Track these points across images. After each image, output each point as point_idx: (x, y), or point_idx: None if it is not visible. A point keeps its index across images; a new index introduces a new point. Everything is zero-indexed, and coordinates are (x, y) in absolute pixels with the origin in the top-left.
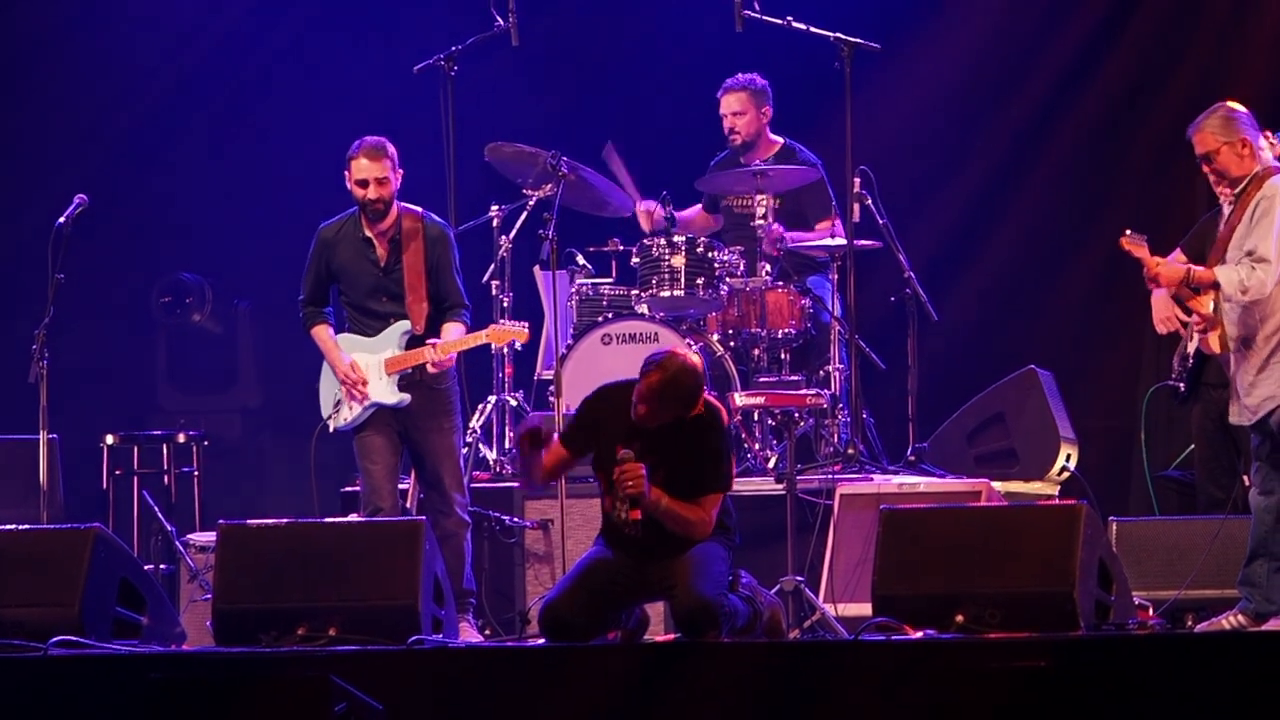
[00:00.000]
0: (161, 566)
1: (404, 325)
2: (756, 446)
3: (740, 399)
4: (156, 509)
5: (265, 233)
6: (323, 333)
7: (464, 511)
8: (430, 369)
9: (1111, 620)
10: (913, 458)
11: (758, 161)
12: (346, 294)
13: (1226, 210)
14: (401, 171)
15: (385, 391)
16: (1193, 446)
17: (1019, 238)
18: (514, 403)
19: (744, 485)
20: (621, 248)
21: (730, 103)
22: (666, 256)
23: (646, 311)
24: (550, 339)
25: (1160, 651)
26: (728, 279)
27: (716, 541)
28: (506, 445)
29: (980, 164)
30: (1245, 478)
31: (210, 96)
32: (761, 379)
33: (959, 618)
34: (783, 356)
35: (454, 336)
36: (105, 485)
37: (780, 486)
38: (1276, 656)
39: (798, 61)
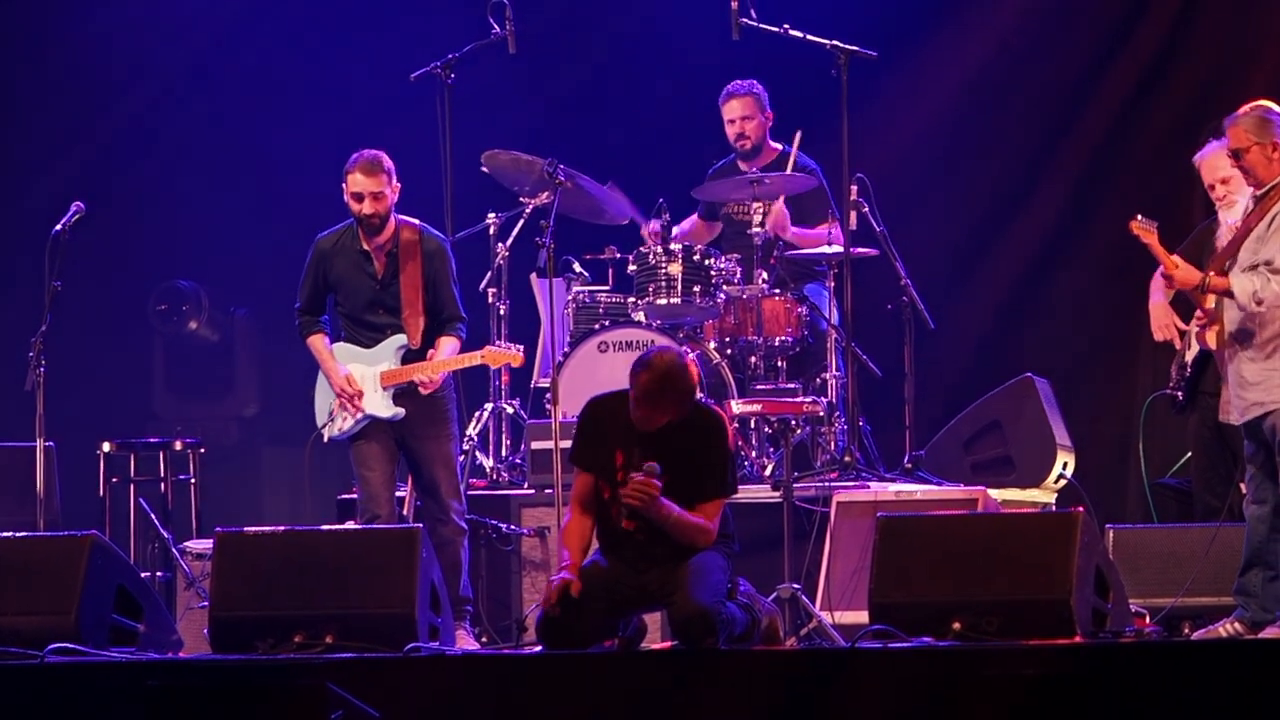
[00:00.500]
0: (158, 574)
1: (400, 339)
2: (753, 454)
3: (737, 407)
4: (153, 516)
5: (262, 240)
6: (319, 343)
7: (461, 519)
8: (421, 390)
9: (1108, 628)
10: (909, 465)
11: (756, 169)
12: (343, 305)
13: (1224, 219)
14: (399, 185)
15: (380, 404)
16: (1190, 455)
17: (1016, 246)
18: (510, 410)
19: (741, 493)
20: (618, 255)
21: (736, 108)
22: (663, 264)
23: (643, 319)
24: (547, 347)
25: (1157, 659)
26: (724, 287)
27: (715, 550)
28: (503, 453)
29: (977, 172)
30: (1242, 486)
31: (207, 104)
32: (758, 386)
33: (956, 625)
34: (779, 364)
35: (447, 353)
36: (102, 493)
37: (777, 494)
38: (1272, 664)
39: (795, 70)
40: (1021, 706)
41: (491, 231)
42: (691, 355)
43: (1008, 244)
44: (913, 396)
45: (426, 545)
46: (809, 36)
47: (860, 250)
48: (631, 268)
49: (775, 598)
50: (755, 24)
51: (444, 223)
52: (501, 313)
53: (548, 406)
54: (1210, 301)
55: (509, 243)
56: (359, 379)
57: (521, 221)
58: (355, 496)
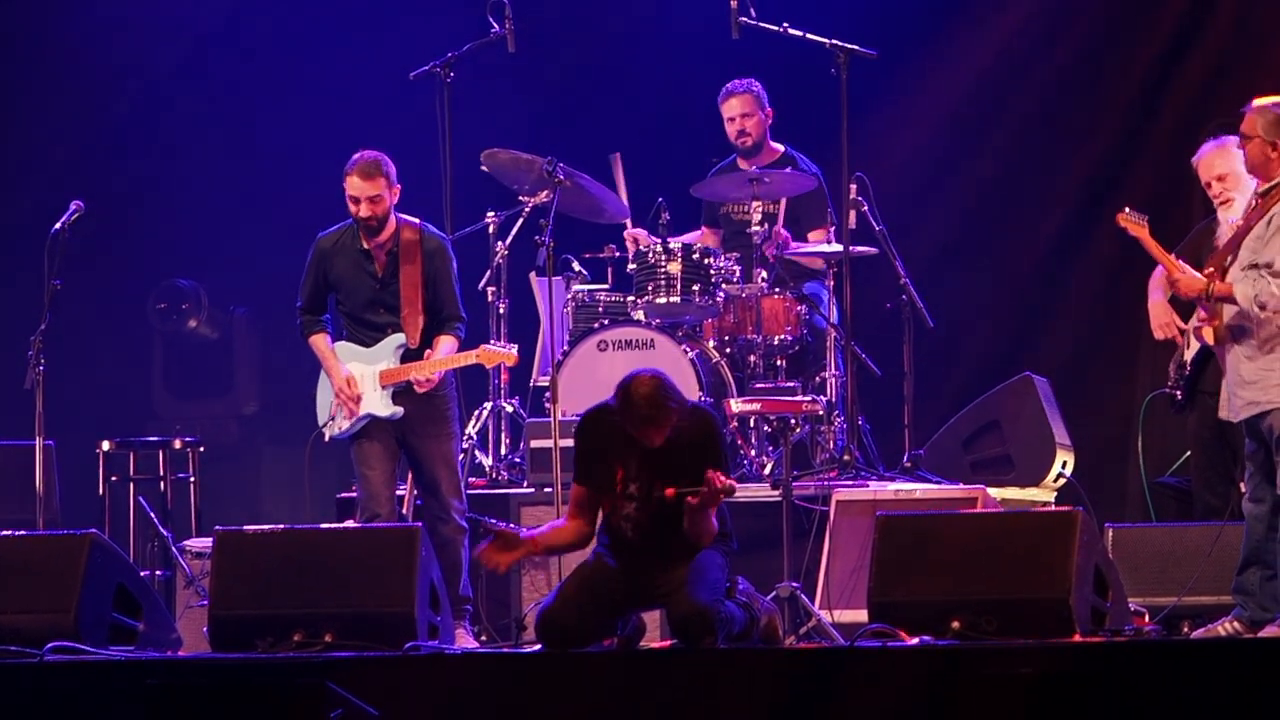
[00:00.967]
0: (158, 572)
1: (399, 338)
2: (753, 453)
3: (736, 405)
4: (153, 515)
5: (261, 239)
6: (320, 342)
7: (462, 519)
8: (417, 389)
9: (1107, 626)
10: (909, 464)
11: (756, 168)
12: (344, 304)
13: (1222, 217)
14: (399, 187)
15: (379, 403)
16: (1189, 454)
17: (1015, 244)
18: (510, 409)
19: (740, 492)
20: (618, 254)
21: (736, 105)
22: (663, 263)
23: (642, 318)
24: (546, 345)
25: (1156, 658)
26: (724, 285)
27: (713, 548)
28: (503, 451)
29: (977, 171)
30: (1241, 485)
31: (207, 102)
32: (757, 385)
33: (955, 624)
34: (779, 363)
35: (444, 352)
36: (101, 491)
37: (776, 493)
38: (1272, 663)
39: (794, 69)
40: (1020, 705)
41: (491, 230)
42: (691, 354)
43: (1007, 243)
44: (912, 395)
45: (426, 544)
46: (808, 35)
47: (859, 249)
48: (631, 266)
49: (774, 596)
50: (754, 23)
51: (443, 221)
52: (501, 311)
53: (547, 405)
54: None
55: (508, 241)
56: (359, 378)
57: (521, 220)
58: (355, 495)
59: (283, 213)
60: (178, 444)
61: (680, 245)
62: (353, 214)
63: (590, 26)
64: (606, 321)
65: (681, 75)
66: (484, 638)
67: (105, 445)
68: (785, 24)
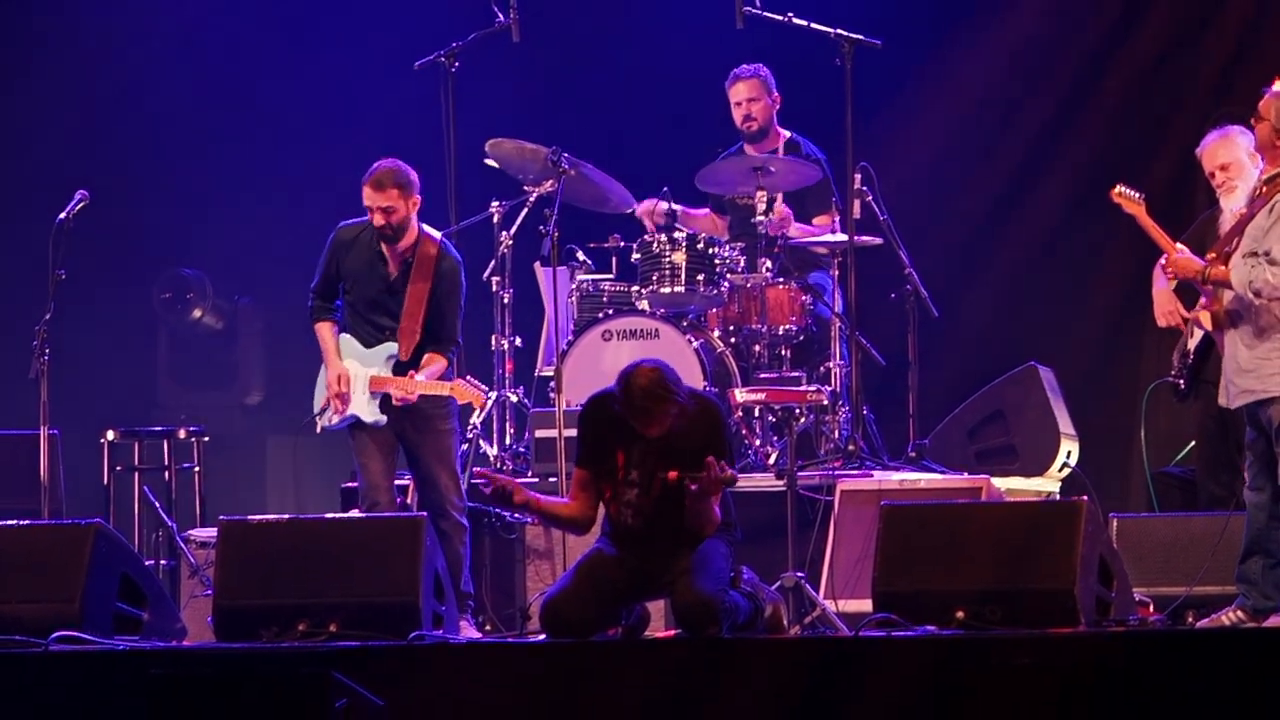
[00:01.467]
0: (162, 562)
1: (392, 348)
2: (757, 443)
3: (741, 395)
4: (157, 505)
5: (266, 229)
6: (326, 331)
7: (460, 515)
8: (395, 403)
9: (1112, 616)
10: (913, 454)
11: (764, 153)
12: (350, 295)
13: (1225, 205)
14: (419, 198)
15: (366, 408)
16: (1193, 443)
17: (1020, 234)
18: (514, 399)
19: (745, 481)
20: (622, 244)
21: (743, 90)
22: (667, 253)
23: (647, 308)
24: (551, 335)
25: (1160, 648)
26: (728, 275)
27: (718, 538)
28: (507, 441)
29: (982, 160)
30: (1246, 473)
31: (211, 92)
32: (762, 375)
33: (959, 614)
34: (783, 353)
35: (429, 374)
36: (106, 481)
37: (781, 483)
38: (1276, 652)
39: (799, 58)
40: (1025, 695)
41: (495, 220)
42: (696, 344)
43: (1012, 232)
44: (917, 385)
45: (430, 533)
46: (813, 25)
47: (864, 239)
48: (635, 256)
49: (779, 586)
50: (759, 12)
51: (448, 211)
52: (505, 301)
53: (551, 395)
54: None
55: (513, 231)
56: (353, 378)
57: (525, 210)
58: (357, 485)
59: (287, 202)
60: (182, 434)
61: (685, 235)
62: (370, 220)
63: (594, 16)
64: (611, 311)
65: (686, 65)
66: (488, 628)
67: (110, 435)
68: (790, 14)
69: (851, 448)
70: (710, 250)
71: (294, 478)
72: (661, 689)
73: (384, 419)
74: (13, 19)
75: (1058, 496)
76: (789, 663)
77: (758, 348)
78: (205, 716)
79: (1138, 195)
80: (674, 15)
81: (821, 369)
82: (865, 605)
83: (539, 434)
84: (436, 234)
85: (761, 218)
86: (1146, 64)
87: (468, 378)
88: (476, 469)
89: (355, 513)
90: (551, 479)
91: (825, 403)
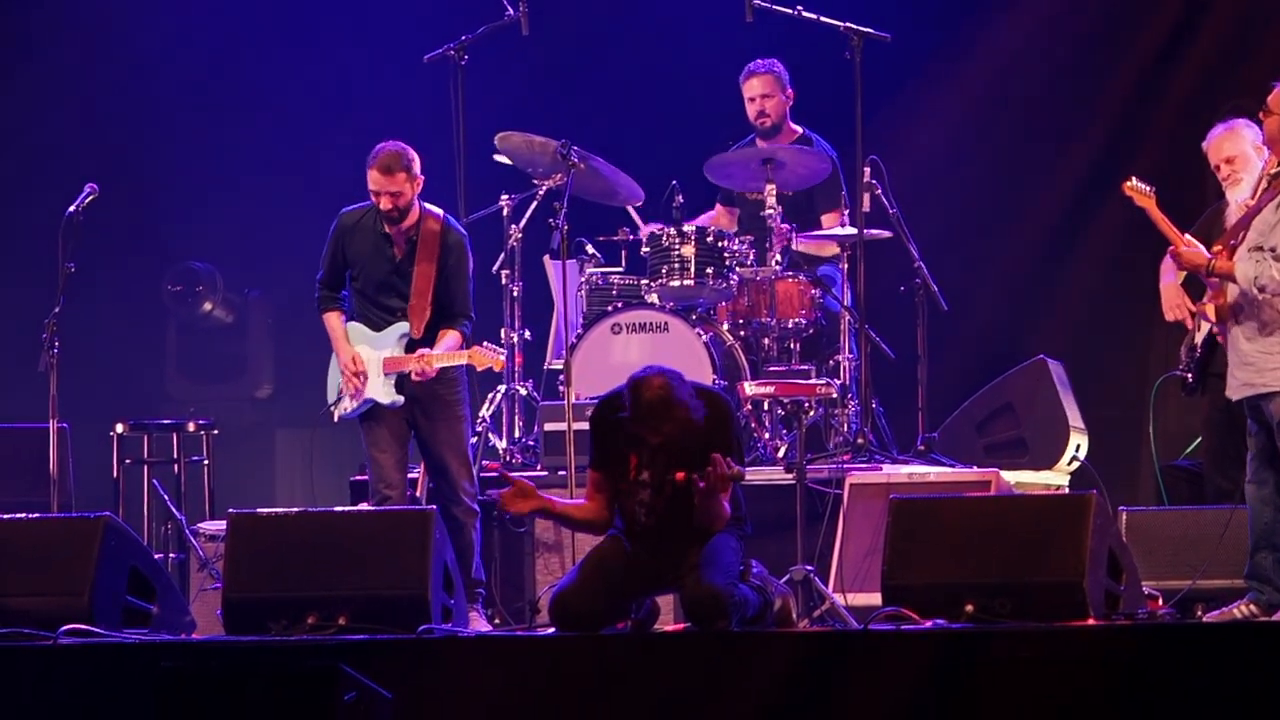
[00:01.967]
0: (171, 555)
1: (404, 326)
2: (766, 436)
3: (750, 388)
4: (166, 498)
5: (276, 221)
6: (334, 320)
7: (472, 501)
8: (414, 378)
9: (1121, 610)
10: (922, 447)
11: (788, 148)
12: (357, 280)
13: (1232, 198)
14: (422, 178)
15: (381, 390)
16: (1201, 438)
17: (1029, 227)
18: (524, 392)
19: (754, 475)
20: (631, 237)
21: (757, 85)
22: (676, 246)
23: (656, 301)
24: (560, 328)
25: (1169, 641)
26: (738, 268)
27: (727, 532)
28: (517, 434)
29: (991, 153)
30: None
31: (221, 84)
32: (771, 368)
33: (968, 607)
34: (792, 346)
35: (445, 348)
36: (115, 474)
37: (790, 476)
38: None
39: (808, 52)
40: (1034, 688)
41: (505, 213)
42: (705, 338)
43: (1021, 226)
44: (926, 378)
45: (440, 526)
46: (822, 18)
47: (873, 232)
48: (645, 249)
49: (788, 580)
50: (768, 6)
51: (457, 204)
52: (515, 294)
53: (561, 388)
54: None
55: (522, 224)
56: (365, 361)
57: (535, 203)
58: (367, 478)
59: (297, 195)
60: (191, 427)
61: (694, 228)
62: (374, 202)
63: (604, 9)
64: (620, 304)
65: (695, 58)
66: (497, 621)
67: (119, 428)
68: (799, 7)
69: (860, 441)
70: (720, 244)
71: (303, 471)
72: (671, 682)
73: (400, 399)
74: (21, 13)
75: (1067, 490)
76: (798, 657)
77: (767, 341)
78: (214, 710)
79: (1149, 189)
80: (683, 8)
81: (831, 362)
82: (874, 599)
83: (548, 427)
84: (438, 210)
85: (770, 211)
86: (1158, 56)
87: (484, 343)
88: (488, 462)
89: (365, 506)
90: (561, 472)
91: (834, 396)
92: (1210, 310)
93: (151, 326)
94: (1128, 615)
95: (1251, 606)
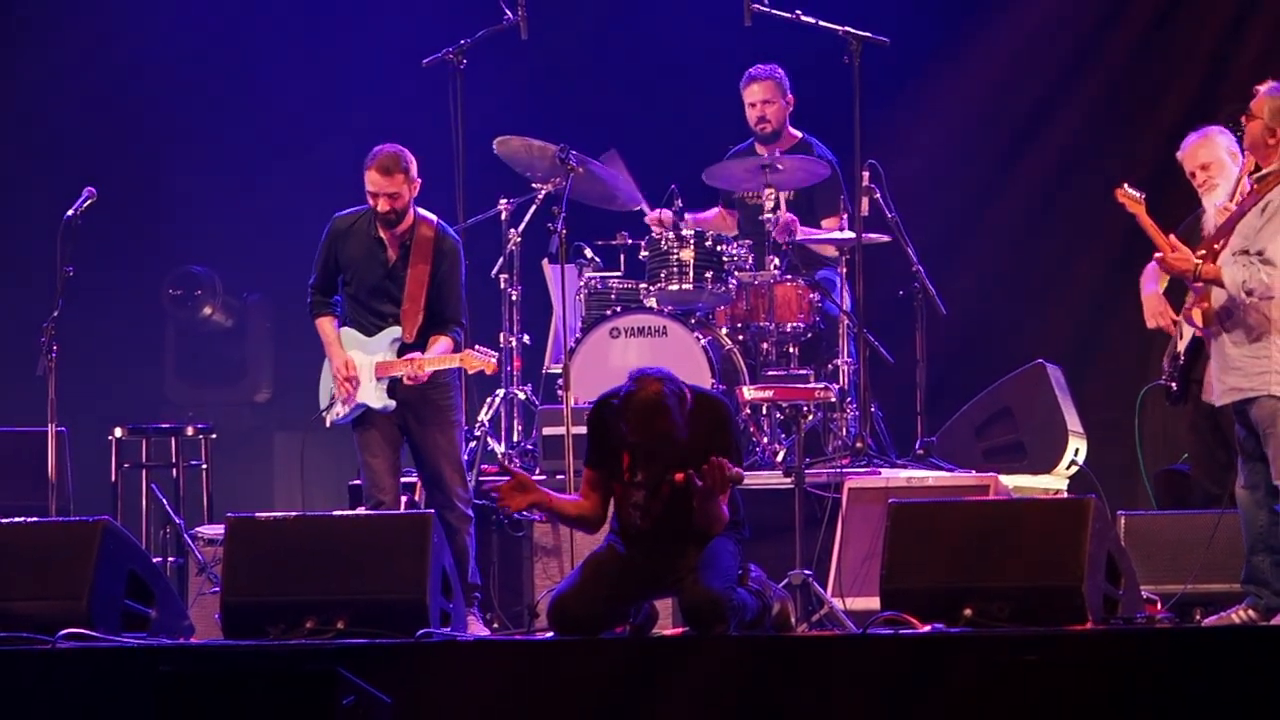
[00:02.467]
0: (170, 559)
1: (396, 331)
2: (765, 440)
3: (748, 393)
4: (165, 502)
5: (275, 225)
6: (327, 325)
7: (466, 506)
8: (405, 382)
9: (1119, 614)
10: (921, 451)
11: (776, 153)
12: (349, 286)
13: (1208, 204)
14: (419, 181)
15: (374, 395)
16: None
17: (1028, 232)
18: (522, 396)
19: (752, 479)
20: (630, 241)
21: (758, 91)
22: (675, 250)
23: (655, 305)
24: (558, 333)
25: (1168, 646)
26: (736, 273)
27: (725, 536)
28: (515, 438)
29: (989, 158)
30: (1240, 472)
31: (219, 88)
32: (770, 373)
33: (967, 612)
34: (791, 350)
35: (437, 352)
36: (113, 478)
37: (788, 480)
38: None
39: (806, 56)
40: (1032, 694)
41: (503, 217)
42: (704, 342)
43: (1020, 230)
44: (924, 382)
45: (438, 530)
46: (821, 22)
47: (872, 236)
48: (643, 253)
49: (786, 584)
50: (767, 10)
51: (456, 208)
52: (513, 299)
53: (559, 392)
54: (1199, 284)
55: (521, 228)
56: (358, 366)
57: (533, 207)
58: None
59: (296, 199)
60: (190, 431)
61: (693, 233)
62: (371, 205)
63: (603, 13)
64: (619, 309)
65: (694, 62)
66: (495, 625)
67: (118, 432)
68: (798, 11)
69: (859, 445)
70: (718, 248)
71: (302, 475)
72: (669, 687)
73: (393, 404)
74: (20, 16)
75: (1065, 494)
76: (796, 661)
77: (765, 345)
78: (212, 713)
79: (1140, 195)
80: (682, 13)
81: (829, 366)
82: (873, 603)
83: (546, 431)
84: (432, 216)
85: (769, 215)
86: (1158, 60)
87: (476, 347)
88: (485, 466)
89: (362, 510)
90: (559, 476)
91: (833, 400)
92: (1197, 315)
93: (150, 330)
94: (1126, 620)
95: (1250, 612)
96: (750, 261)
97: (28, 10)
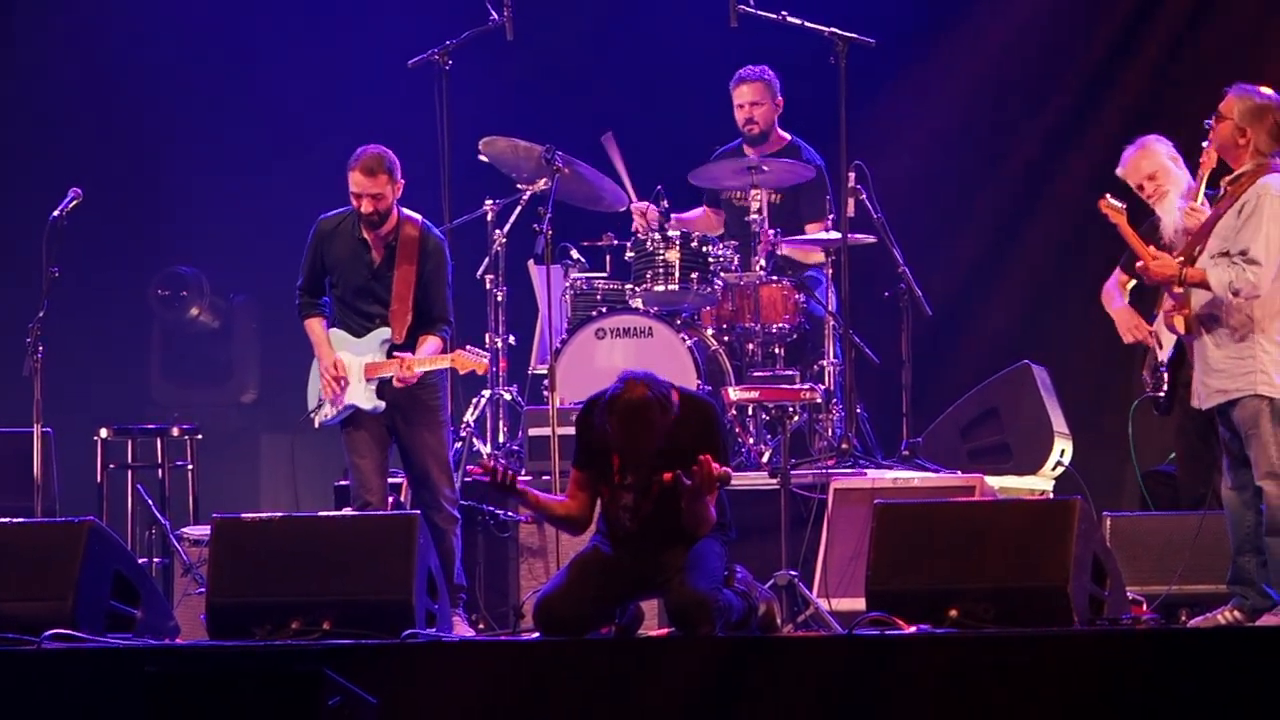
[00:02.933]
0: (155, 560)
1: (385, 332)
2: (751, 441)
3: (734, 394)
4: (150, 503)
5: (262, 226)
6: (316, 326)
7: (453, 507)
8: (395, 383)
9: (1105, 615)
10: (907, 452)
11: (762, 156)
12: (336, 287)
13: (1161, 213)
14: (403, 182)
15: (363, 396)
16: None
17: (1014, 233)
18: (508, 397)
19: (738, 480)
20: (616, 242)
21: (747, 93)
22: (661, 251)
23: (641, 306)
24: (544, 334)
25: (1154, 647)
26: (722, 273)
27: (712, 537)
28: (501, 439)
29: (975, 159)
30: (1226, 474)
31: (206, 89)
32: (756, 374)
33: (953, 612)
34: (777, 351)
35: (427, 353)
36: (99, 479)
37: (774, 481)
38: (1270, 651)
39: (792, 57)
40: (1018, 694)
41: (489, 218)
42: (690, 343)
43: (1006, 230)
44: (910, 383)
45: (424, 531)
46: (807, 23)
47: (858, 237)
48: (629, 254)
49: (772, 585)
50: (753, 11)
51: (441, 209)
52: (499, 299)
53: (545, 393)
54: (1179, 287)
55: (506, 229)
56: (346, 367)
57: (519, 208)
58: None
59: (284, 199)
60: (176, 431)
61: (679, 233)
62: (355, 207)
63: (588, 14)
64: (605, 309)
65: (680, 63)
66: (481, 626)
67: (103, 433)
68: (784, 12)
69: (845, 446)
70: (704, 248)
71: (288, 475)
72: (655, 688)
73: (382, 405)
74: (4, 18)
75: (1051, 495)
76: (782, 662)
77: (751, 346)
78: (198, 714)
79: (1121, 205)
80: (668, 14)
81: (815, 367)
82: (859, 604)
83: (532, 432)
84: (417, 216)
85: (755, 216)
86: (1144, 60)
87: (467, 347)
88: (470, 467)
89: (348, 511)
90: (545, 477)
91: (819, 401)
92: (1179, 323)
93: (136, 331)
94: (1112, 621)
95: (1236, 613)
96: (736, 262)
97: (12, 13)
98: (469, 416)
